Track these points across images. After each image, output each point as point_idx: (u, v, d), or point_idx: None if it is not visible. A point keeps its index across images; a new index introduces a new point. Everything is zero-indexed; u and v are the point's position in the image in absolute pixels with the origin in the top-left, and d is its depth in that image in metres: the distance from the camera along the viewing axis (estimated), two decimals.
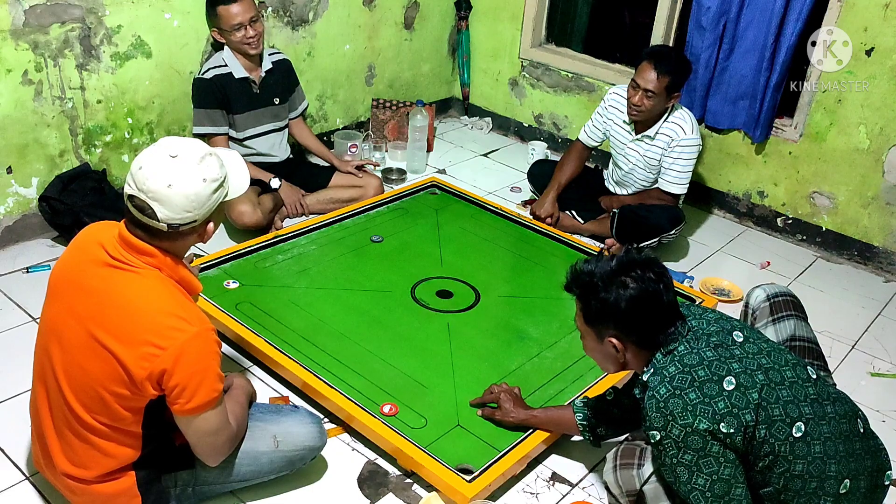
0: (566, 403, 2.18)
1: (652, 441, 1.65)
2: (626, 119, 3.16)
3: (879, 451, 1.79)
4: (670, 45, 3.75)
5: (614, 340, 1.70)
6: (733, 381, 1.61)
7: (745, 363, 1.65)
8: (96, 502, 1.77)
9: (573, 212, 3.41)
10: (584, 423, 2.07)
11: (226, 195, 1.71)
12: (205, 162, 1.64)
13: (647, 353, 1.71)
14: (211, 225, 1.71)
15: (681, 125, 3.07)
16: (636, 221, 3.12)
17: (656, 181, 3.21)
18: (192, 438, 1.71)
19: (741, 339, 1.71)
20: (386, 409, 2.22)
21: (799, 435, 1.62)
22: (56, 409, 1.72)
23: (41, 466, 1.85)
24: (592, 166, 3.54)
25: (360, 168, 3.48)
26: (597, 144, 3.39)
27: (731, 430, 1.58)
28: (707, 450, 1.58)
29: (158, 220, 1.60)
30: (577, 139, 3.42)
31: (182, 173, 1.59)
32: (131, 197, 1.60)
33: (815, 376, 1.74)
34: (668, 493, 1.78)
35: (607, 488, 1.98)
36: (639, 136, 3.15)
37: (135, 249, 1.64)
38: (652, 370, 1.68)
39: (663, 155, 3.12)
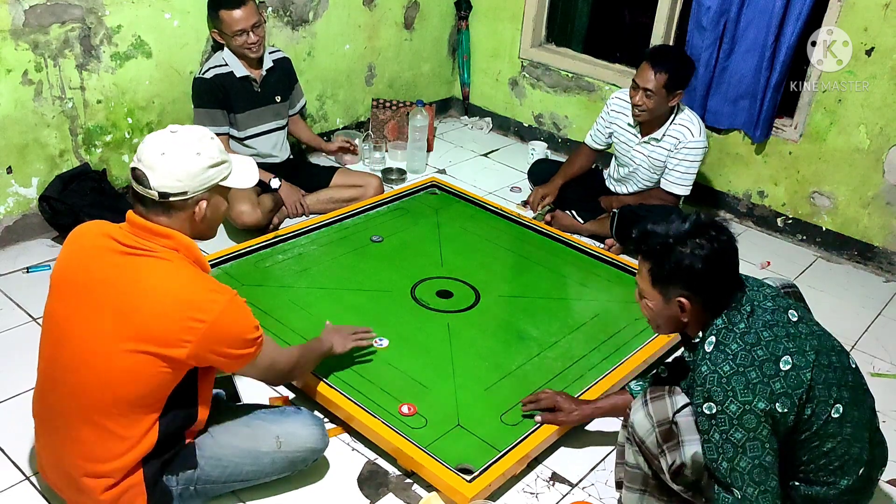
0: (621, 388, 2.21)
1: (706, 412, 1.66)
2: (631, 122, 3.16)
3: (882, 446, 1.85)
4: (671, 44, 3.76)
5: (684, 300, 1.71)
6: (790, 361, 1.64)
7: (798, 343, 1.68)
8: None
9: (573, 212, 3.41)
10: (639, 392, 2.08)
11: (224, 179, 1.74)
12: (203, 141, 1.70)
13: (708, 316, 1.73)
14: (204, 204, 1.71)
15: (689, 127, 3.07)
16: (636, 222, 3.11)
17: (659, 181, 3.21)
18: (258, 377, 1.93)
19: (795, 319, 1.73)
20: (404, 409, 2.23)
21: (837, 416, 1.68)
22: (72, 403, 1.71)
23: (45, 472, 1.85)
24: (593, 166, 3.54)
25: (342, 150, 3.61)
26: (602, 148, 3.40)
27: (785, 410, 1.61)
28: (758, 432, 1.61)
29: (151, 188, 1.64)
30: (584, 143, 3.46)
31: (177, 144, 1.66)
32: (133, 170, 1.67)
33: (853, 366, 1.79)
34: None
35: (632, 437, 1.85)
36: (645, 138, 3.14)
37: (151, 232, 1.68)
38: (714, 343, 1.68)
39: (668, 156, 3.12)
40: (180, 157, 1.65)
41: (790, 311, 1.74)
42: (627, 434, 1.87)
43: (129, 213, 1.71)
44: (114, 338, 1.64)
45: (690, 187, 3.16)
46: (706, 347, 1.70)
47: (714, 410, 1.63)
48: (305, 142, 3.67)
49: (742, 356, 1.64)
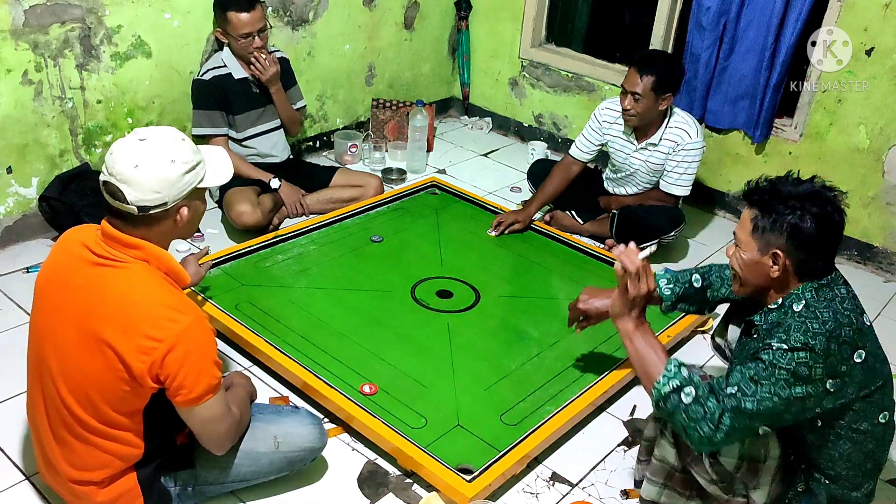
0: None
1: (773, 345, 1.66)
2: (626, 129, 3.15)
3: None
4: (671, 44, 3.76)
5: (780, 253, 1.70)
6: (863, 355, 1.69)
7: (871, 346, 1.74)
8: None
9: (573, 212, 3.40)
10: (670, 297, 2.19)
11: (201, 181, 1.68)
12: (174, 145, 1.63)
13: (795, 281, 1.74)
14: (185, 211, 1.66)
15: (686, 129, 3.06)
16: (636, 222, 3.12)
17: (658, 182, 3.21)
18: (196, 428, 1.70)
19: (868, 324, 1.78)
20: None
21: (883, 421, 1.75)
22: (54, 413, 1.72)
23: (44, 475, 1.85)
24: (592, 167, 3.53)
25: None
26: (591, 158, 3.31)
27: (833, 391, 1.65)
28: (795, 384, 1.62)
29: (129, 203, 1.58)
30: (568, 154, 3.33)
31: (149, 154, 1.59)
32: (105, 183, 1.61)
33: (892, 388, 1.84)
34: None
35: (670, 427, 1.86)
36: (642, 144, 3.13)
37: (121, 243, 1.63)
38: (804, 305, 1.70)
39: (667, 158, 3.11)
40: (155, 168, 1.58)
41: (864, 315, 1.78)
42: (661, 426, 1.87)
43: (104, 222, 1.66)
44: (82, 350, 1.62)
45: (690, 188, 3.16)
46: (794, 307, 1.71)
47: (784, 347, 1.65)
48: (285, 121, 3.37)
49: (831, 326, 1.66)
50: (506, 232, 3.25)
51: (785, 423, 1.70)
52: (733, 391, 1.64)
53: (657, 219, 3.11)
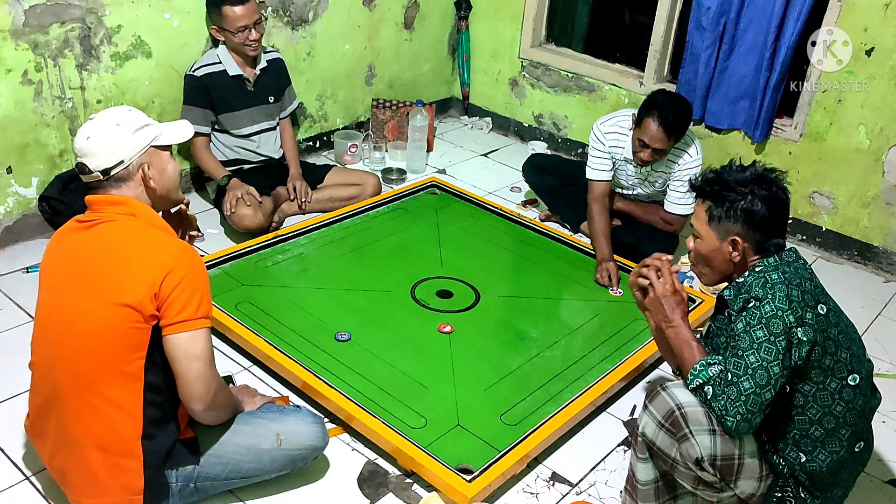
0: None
1: (739, 305, 1.75)
2: (629, 156, 3.04)
3: (871, 451, 1.91)
4: (671, 44, 3.75)
5: (738, 239, 1.78)
6: (825, 308, 1.75)
7: (833, 305, 1.79)
8: (101, 485, 1.77)
9: (560, 220, 3.41)
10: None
11: (156, 139, 1.79)
12: (121, 114, 1.78)
13: (756, 259, 1.81)
14: (147, 168, 1.77)
15: (687, 151, 3.00)
16: (631, 251, 3.09)
17: (659, 192, 3.18)
18: (181, 365, 1.69)
19: (826, 299, 1.82)
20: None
21: (853, 383, 1.77)
22: (67, 380, 1.73)
23: (46, 459, 1.86)
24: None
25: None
26: (613, 173, 3.15)
27: (805, 339, 1.69)
28: (778, 339, 1.67)
29: (92, 171, 1.74)
30: (593, 181, 3.10)
31: (97, 126, 1.76)
32: (75, 165, 1.77)
33: (869, 359, 1.87)
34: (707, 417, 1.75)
35: (646, 443, 1.82)
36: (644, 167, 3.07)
37: (106, 203, 1.76)
38: (763, 267, 1.77)
39: (669, 177, 3.08)
40: (104, 133, 1.74)
41: (815, 277, 1.83)
42: (638, 448, 1.86)
43: (86, 199, 1.78)
44: (90, 301, 1.70)
45: (694, 205, 3.09)
46: (756, 268, 1.78)
47: (750, 305, 1.72)
48: (286, 157, 3.43)
49: (790, 276, 1.74)
50: (618, 284, 2.98)
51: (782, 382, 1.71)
52: (731, 378, 1.69)
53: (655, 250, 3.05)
